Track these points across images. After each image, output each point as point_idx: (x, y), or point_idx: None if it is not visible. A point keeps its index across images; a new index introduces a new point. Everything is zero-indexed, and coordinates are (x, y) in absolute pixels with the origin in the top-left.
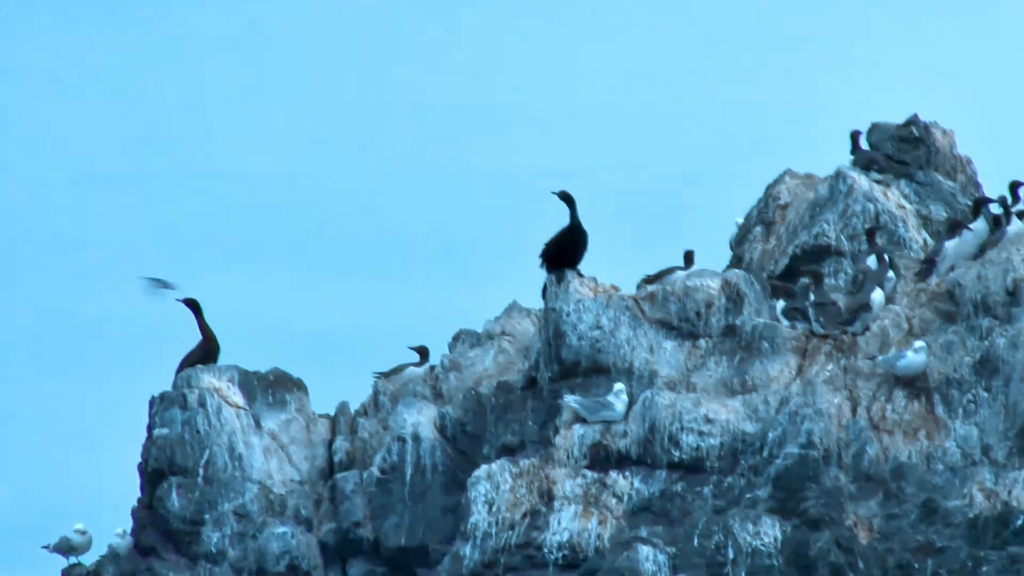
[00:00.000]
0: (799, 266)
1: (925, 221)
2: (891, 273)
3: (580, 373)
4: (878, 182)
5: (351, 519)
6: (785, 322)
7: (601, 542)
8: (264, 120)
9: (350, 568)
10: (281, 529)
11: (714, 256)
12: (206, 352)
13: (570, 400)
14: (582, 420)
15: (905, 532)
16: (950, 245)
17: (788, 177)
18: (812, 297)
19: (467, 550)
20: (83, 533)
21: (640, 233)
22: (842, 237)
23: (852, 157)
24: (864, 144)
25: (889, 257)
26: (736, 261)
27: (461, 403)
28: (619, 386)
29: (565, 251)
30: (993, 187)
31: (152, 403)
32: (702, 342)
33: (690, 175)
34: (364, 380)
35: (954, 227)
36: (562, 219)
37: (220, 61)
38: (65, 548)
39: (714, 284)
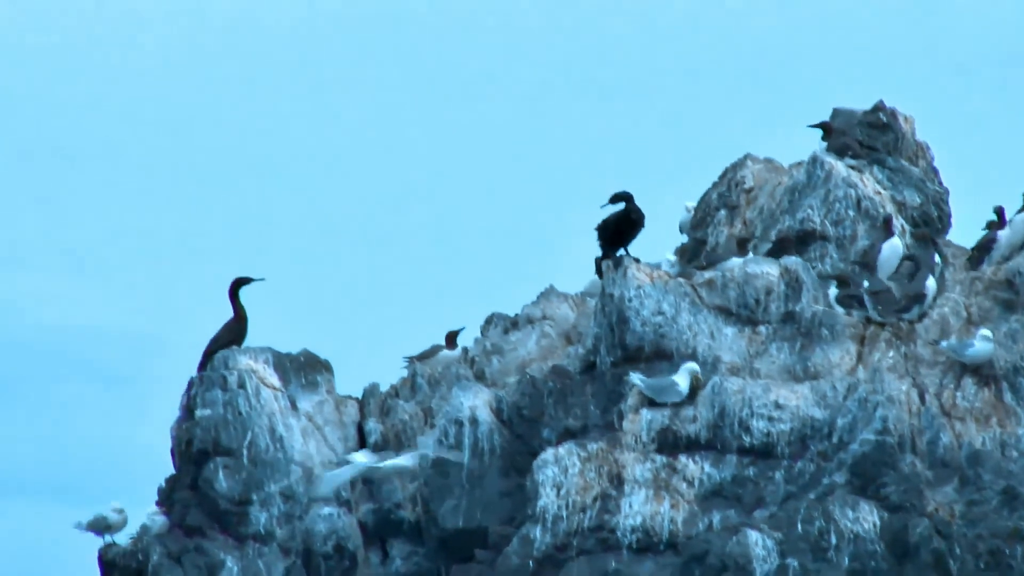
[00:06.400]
0: (784, 251)
1: (900, 207)
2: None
3: (643, 359)
4: (852, 168)
5: (392, 500)
6: (839, 309)
7: (675, 526)
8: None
9: (390, 548)
10: (327, 510)
11: (661, 241)
12: (237, 333)
13: (635, 379)
14: (648, 404)
15: (990, 519)
16: (1003, 234)
17: (750, 161)
18: (866, 284)
19: (537, 533)
20: (120, 511)
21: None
22: (826, 222)
23: (825, 143)
24: None
25: (935, 243)
26: (696, 244)
27: (516, 387)
28: (691, 365)
29: (622, 231)
30: (949, 174)
31: (191, 384)
32: (762, 328)
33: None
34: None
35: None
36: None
37: None
38: (101, 527)
39: (773, 271)
